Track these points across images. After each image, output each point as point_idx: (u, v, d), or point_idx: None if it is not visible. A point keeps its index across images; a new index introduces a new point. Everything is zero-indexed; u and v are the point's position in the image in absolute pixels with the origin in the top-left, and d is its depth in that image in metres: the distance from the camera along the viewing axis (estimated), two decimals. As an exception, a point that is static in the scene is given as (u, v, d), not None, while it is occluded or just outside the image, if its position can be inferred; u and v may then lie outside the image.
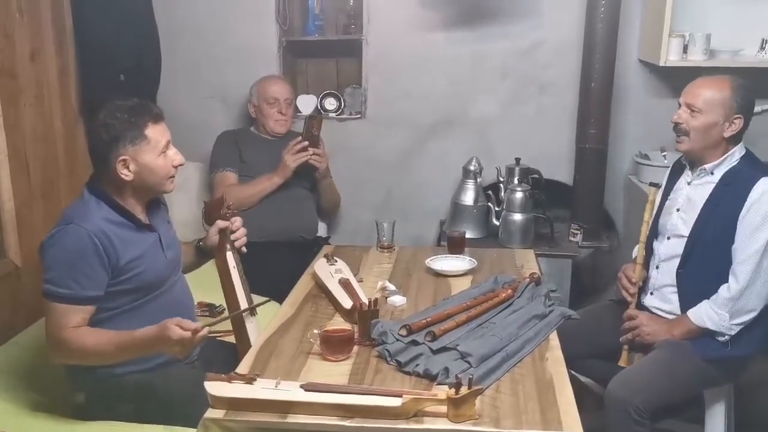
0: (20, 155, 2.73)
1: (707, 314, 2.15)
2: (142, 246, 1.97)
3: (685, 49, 3.14)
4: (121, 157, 1.89)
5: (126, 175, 1.91)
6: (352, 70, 3.76)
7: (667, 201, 2.36)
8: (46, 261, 1.87)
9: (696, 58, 3.13)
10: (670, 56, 3.10)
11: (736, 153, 2.20)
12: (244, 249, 2.23)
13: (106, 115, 1.90)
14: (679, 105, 2.24)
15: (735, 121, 2.16)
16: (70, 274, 1.84)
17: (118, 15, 3.21)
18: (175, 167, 2.00)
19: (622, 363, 2.31)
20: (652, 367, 2.16)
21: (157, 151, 1.93)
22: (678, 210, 2.30)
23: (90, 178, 2.00)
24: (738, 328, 2.13)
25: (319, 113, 3.30)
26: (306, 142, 3.12)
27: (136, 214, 1.99)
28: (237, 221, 2.22)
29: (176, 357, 1.87)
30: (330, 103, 3.70)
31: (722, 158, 2.20)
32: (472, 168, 3.37)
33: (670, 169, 2.44)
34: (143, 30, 3.42)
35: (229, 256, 2.18)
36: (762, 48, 3.20)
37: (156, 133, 1.93)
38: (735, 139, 2.20)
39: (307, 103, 3.69)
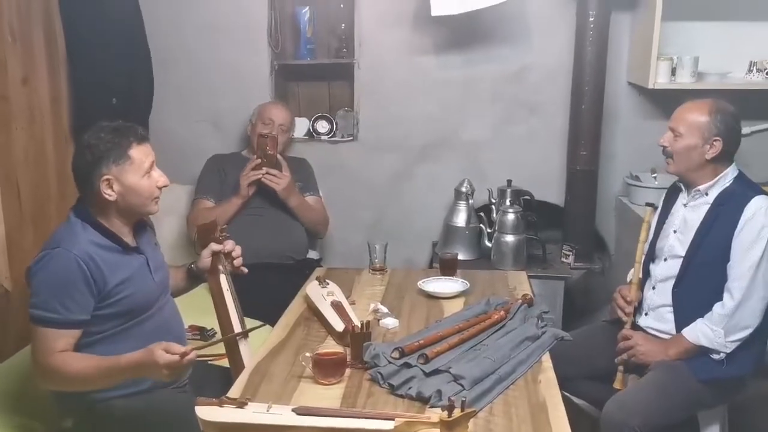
0: (11, 179, 2.72)
1: (702, 331, 2.16)
2: (129, 269, 1.96)
3: (673, 71, 3.18)
4: (105, 177, 1.89)
5: (109, 195, 1.91)
6: (343, 94, 3.78)
7: (665, 224, 2.38)
8: (34, 285, 1.86)
9: (684, 80, 3.16)
10: (659, 79, 3.14)
11: (729, 174, 2.24)
12: (244, 269, 2.23)
13: (90, 136, 1.92)
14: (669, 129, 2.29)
15: (714, 143, 2.19)
16: (57, 299, 1.83)
17: (111, 39, 3.22)
18: (160, 188, 2.00)
19: (616, 385, 2.30)
20: (648, 389, 2.16)
21: (141, 172, 1.93)
22: (675, 232, 2.31)
23: (76, 202, 2.00)
24: (733, 346, 2.14)
25: (268, 134, 3.17)
26: (258, 161, 3.10)
27: (122, 236, 1.98)
28: (229, 244, 2.22)
29: (163, 381, 1.84)
30: (322, 126, 3.71)
31: (715, 180, 2.23)
32: (463, 190, 3.38)
33: (666, 192, 2.47)
34: (136, 54, 3.43)
35: (222, 279, 2.18)
36: (750, 70, 3.24)
37: (140, 153, 1.93)
38: (724, 161, 2.23)
39: (299, 126, 3.69)
